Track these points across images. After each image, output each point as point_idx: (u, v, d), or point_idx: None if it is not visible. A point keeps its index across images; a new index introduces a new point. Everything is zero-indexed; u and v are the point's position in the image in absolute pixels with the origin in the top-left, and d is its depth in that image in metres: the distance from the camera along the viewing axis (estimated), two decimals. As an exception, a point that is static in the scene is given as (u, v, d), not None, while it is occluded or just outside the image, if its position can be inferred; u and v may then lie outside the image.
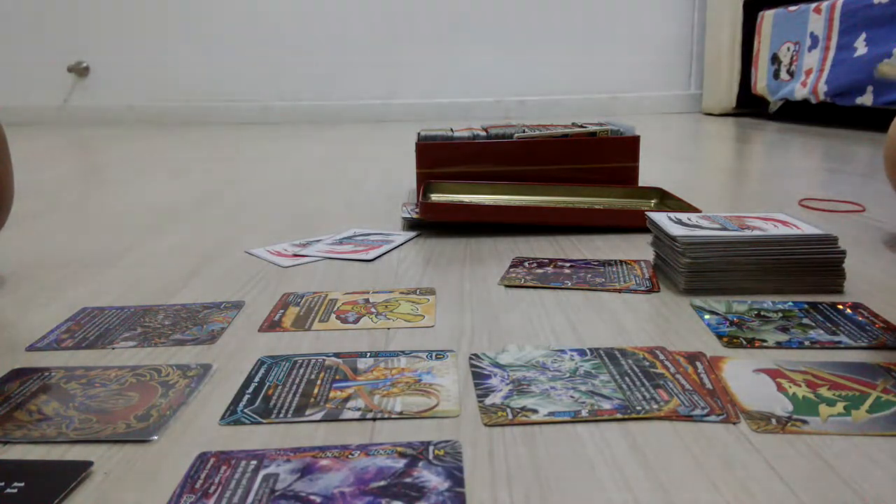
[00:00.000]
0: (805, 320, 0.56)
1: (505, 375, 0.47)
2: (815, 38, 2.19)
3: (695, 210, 0.91)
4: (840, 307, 0.58)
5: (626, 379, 0.46)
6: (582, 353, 0.50)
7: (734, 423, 0.40)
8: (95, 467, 0.37)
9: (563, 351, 0.51)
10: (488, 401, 0.44)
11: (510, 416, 0.42)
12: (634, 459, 0.36)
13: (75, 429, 0.41)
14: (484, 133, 1.11)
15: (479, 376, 0.47)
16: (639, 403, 0.43)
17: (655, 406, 0.42)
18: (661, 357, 0.49)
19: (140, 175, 1.55)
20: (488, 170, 1.07)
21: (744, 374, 0.46)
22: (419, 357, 0.50)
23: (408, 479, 0.35)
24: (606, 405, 0.43)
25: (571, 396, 0.44)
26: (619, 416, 0.42)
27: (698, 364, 0.47)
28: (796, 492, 0.33)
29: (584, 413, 0.42)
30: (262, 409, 0.43)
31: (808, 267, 0.63)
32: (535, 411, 0.42)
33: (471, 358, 0.50)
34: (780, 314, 0.57)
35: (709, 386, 0.44)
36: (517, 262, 0.74)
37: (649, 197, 1.03)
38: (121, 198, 1.25)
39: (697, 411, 0.41)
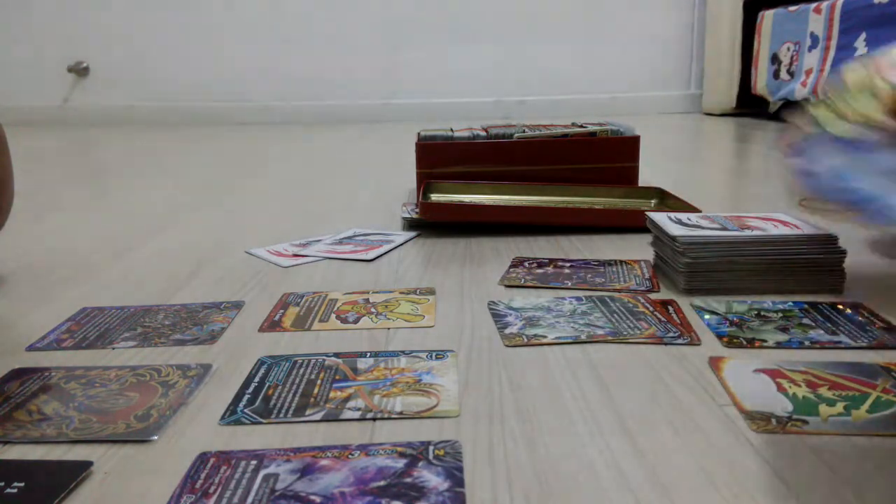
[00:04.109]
0: (805, 320, 0.56)
1: (518, 315, 0.58)
2: (815, 38, 2.19)
3: (695, 210, 0.91)
4: (840, 307, 0.58)
5: (615, 315, 0.57)
6: (579, 299, 0.61)
7: (697, 345, 0.51)
8: (95, 467, 0.37)
9: (562, 298, 0.62)
10: (507, 331, 0.54)
11: (525, 340, 0.52)
12: (635, 460, 0.36)
13: (75, 429, 0.41)
14: (484, 133, 1.11)
15: (497, 315, 0.58)
16: (625, 331, 0.54)
17: (638, 331, 0.54)
18: (642, 301, 0.60)
19: (140, 175, 1.55)
20: (488, 170, 1.07)
21: (744, 374, 0.46)
22: (419, 357, 0.50)
23: (408, 479, 0.35)
24: (600, 332, 0.54)
25: (572, 327, 0.55)
26: (609, 339, 0.52)
27: (669, 307, 0.59)
28: (796, 492, 0.33)
29: (583, 337, 0.53)
30: (262, 409, 0.43)
31: (808, 267, 0.63)
32: (544, 336, 0.53)
33: (489, 304, 0.61)
34: (780, 314, 0.57)
35: (677, 320, 0.56)
36: (517, 262, 0.74)
37: (649, 197, 1.03)
38: (121, 198, 1.25)
39: (670, 335, 0.53)
